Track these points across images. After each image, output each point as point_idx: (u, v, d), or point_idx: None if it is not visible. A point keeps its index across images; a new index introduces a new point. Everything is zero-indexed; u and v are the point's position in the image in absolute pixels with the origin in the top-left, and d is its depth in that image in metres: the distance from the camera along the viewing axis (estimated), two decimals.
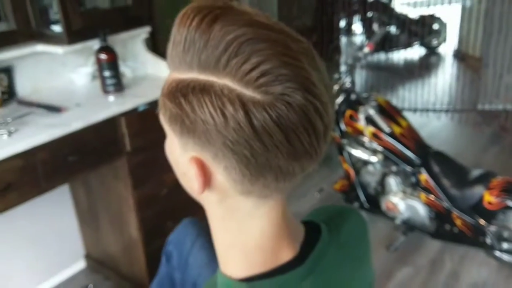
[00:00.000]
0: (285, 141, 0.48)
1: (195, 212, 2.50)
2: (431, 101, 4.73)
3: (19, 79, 2.21)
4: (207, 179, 0.53)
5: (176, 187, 2.31)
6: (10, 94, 2.17)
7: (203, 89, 0.48)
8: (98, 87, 2.26)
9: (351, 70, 2.72)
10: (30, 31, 2.15)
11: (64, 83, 2.38)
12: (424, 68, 5.86)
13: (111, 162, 2.13)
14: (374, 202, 2.85)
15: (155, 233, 2.35)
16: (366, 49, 2.67)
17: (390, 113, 2.68)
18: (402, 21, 5.98)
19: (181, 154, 0.55)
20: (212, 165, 0.52)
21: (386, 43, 5.26)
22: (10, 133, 1.81)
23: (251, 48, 0.47)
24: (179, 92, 0.50)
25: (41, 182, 1.83)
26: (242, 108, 0.46)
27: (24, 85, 2.23)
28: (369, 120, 2.60)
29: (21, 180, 1.77)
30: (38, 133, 1.82)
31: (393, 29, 5.90)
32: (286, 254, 0.60)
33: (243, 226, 0.58)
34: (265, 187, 0.53)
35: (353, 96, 2.71)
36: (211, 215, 0.61)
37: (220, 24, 0.48)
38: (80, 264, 2.72)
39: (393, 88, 5.10)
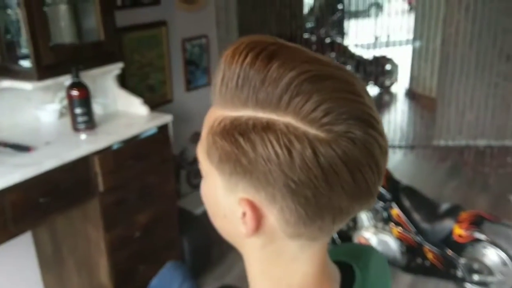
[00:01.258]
0: (351, 179, 0.47)
1: (169, 255, 2.43)
2: (388, 137, 4.87)
3: None
4: (258, 223, 0.50)
5: (149, 228, 2.25)
6: None
7: (267, 127, 0.46)
8: (66, 124, 2.17)
9: None
10: None
11: (29, 120, 2.27)
12: (379, 106, 6.07)
13: (83, 203, 2.03)
14: (346, 238, 2.85)
15: (126, 278, 2.24)
16: None
17: None
18: (357, 61, 6.21)
19: (225, 196, 0.52)
20: (265, 206, 0.49)
21: None
22: None
23: (313, 86, 0.46)
24: (236, 130, 0.48)
25: (10, 226, 1.71)
26: (310, 145, 0.45)
27: None
28: None
29: None
30: (7, 173, 1.72)
31: (349, 69, 6.11)
32: None
33: (286, 271, 0.55)
34: (320, 230, 0.50)
35: None
36: (252, 259, 0.57)
37: (278, 61, 0.46)
38: None
39: None
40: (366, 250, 0.74)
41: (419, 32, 5.69)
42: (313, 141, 0.45)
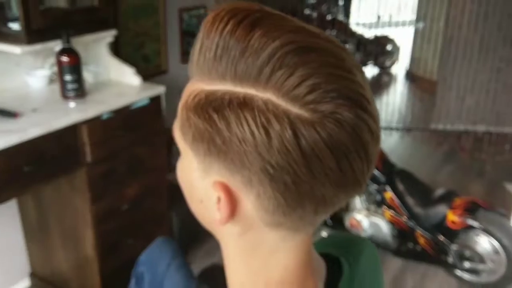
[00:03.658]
0: (336, 166, 0.42)
1: (157, 230, 2.39)
2: (386, 119, 4.82)
3: None
4: (233, 209, 0.45)
5: (138, 201, 2.20)
6: None
7: (243, 103, 0.41)
8: (56, 91, 2.10)
9: None
10: None
11: (18, 85, 2.20)
12: (377, 87, 6.00)
13: (70, 173, 1.98)
14: (337, 219, 2.83)
15: (112, 251, 2.20)
16: None
17: None
18: (358, 40, 6.10)
19: (200, 178, 0.47)
20: (241, 192, 0.44)
21: None
22: None
23: (298, 59, 0.41)
24: (210, 106, 0.43)
25: None
26: (290, 126, 0.40)
27: None
28: None
29: None
30: None
31: (349, 47, 6.00)
32: None
33: (265, 263, 0.50)
34: (301, 219, 0.46)
35: None
36: (230, 248, 0.52)
37: (261, 30, 0.41)
38: (24, 283, 2.51)
39: None
40: (358, 243, 0.68)
41: (422, 12, 5.58)
42: (295, 121, 0.40)
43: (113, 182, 2.13)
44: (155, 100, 2.24)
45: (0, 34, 1.98)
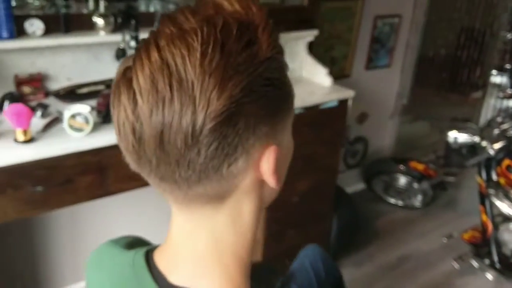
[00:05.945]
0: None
1: (317, 228, 2.42)
2: None
3: None
4: None
5: (306, 197, 2.23)
6: None
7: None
8: None
9: None
10: None
11: None
12: None
13: None
14: (507, 264, 2.57)
15: (274, 238, 2.29)
16: None
17: None
18: None
19: None
20: None
21: None
22: None
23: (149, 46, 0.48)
24: None
25: None
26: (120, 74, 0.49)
27: None
28: None
29: None
30: None
31: None
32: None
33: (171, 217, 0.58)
34: (148, 178, 0.51)
35: None
36: None
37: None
38: None
39: None
40: None
41: None
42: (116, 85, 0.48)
43: (289, 174, 2.20)
44: (343, 103, 2.26)
45: None
